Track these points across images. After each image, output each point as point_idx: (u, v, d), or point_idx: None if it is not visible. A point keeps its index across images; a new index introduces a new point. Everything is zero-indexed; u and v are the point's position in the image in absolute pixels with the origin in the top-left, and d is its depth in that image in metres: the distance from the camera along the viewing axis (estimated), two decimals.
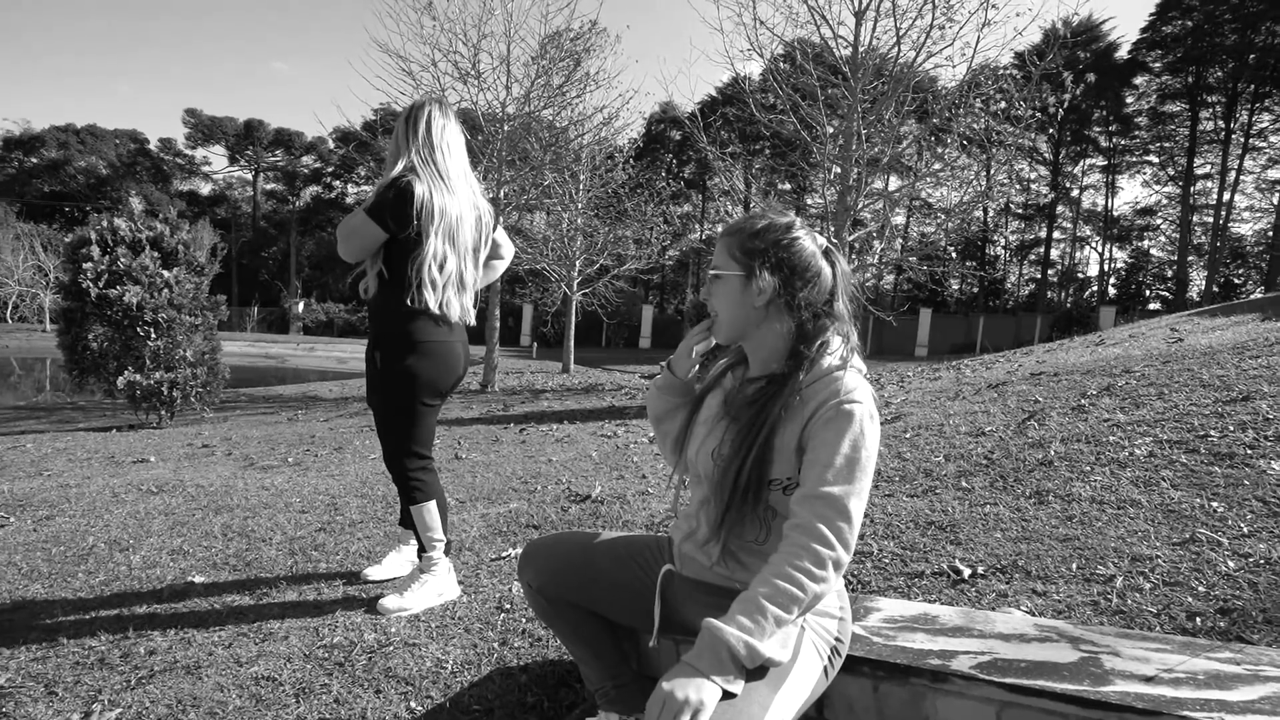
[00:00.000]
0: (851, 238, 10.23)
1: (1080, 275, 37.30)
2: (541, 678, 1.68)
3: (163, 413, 6.70)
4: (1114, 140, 33.38)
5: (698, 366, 1.36)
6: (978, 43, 8.78)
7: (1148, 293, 35.09)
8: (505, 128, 10.19)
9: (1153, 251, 35.34)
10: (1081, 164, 34.69)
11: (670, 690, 0.92)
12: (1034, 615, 1.65)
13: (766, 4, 25.74)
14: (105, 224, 6.37)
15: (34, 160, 44.53)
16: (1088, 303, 32.39)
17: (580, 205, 12.61)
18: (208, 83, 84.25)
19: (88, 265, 6.11)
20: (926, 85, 10.28)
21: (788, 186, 29.49)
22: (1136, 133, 33.06)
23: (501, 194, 10.52)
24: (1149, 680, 1.09)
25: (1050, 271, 36.41)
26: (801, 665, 1.06)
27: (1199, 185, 31.91)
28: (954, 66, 9.35)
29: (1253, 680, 1.08)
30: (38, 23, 79.26)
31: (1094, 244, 36.32)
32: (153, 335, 6.34)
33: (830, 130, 9.56)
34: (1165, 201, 33.64)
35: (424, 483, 2.08)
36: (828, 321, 1.15)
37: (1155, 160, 33.22)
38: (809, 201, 28.04)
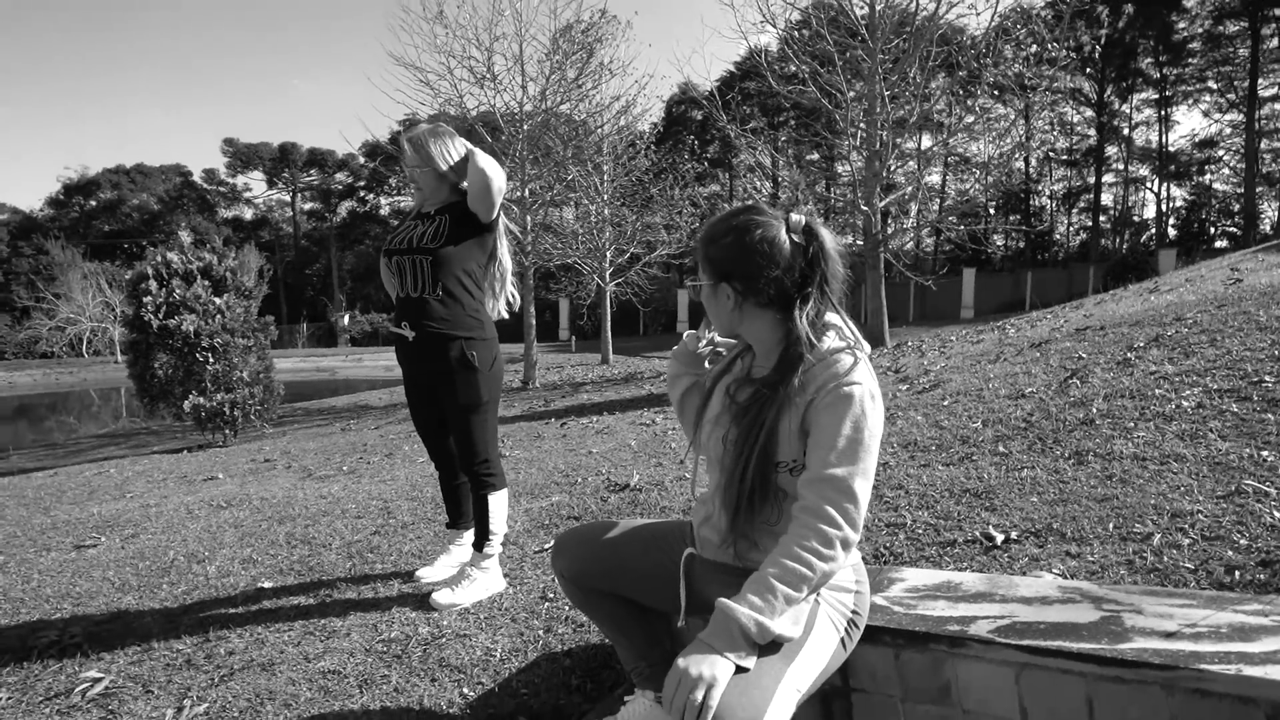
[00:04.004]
0: (883, 203, 9.99)
1: (1136, 219, 35.31)
2: (584, 661, 1.77)
3: (227, 432, 7.11)
4: (1165, 70, 31.31)
5: (709, 347, 1.42)
6: None
7: (1213, 230, 32.99)
8: (525, 126, 10.29)
9: (1216, 186, 33.14)
10: (1131, 100, 32.71)
11: (685, 667, 0.98)
12: (1066, 578, 1.64)
13: None
14: (160, 258, 6.76)
15: (92, 202, 47.22)
16: (1145, 247, 30.63)
17: (605, 196, 12.65)
18: (237, 107, 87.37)
19: (147, 299, 6.50)
20: (951, 37, 9.89)
21: (815, 156, 28.81)
22: (1190, 60, 30.92)
23: (527, 192, 10.66)
24: (1169, 636, 1.09)
25: (1102, 218, 34.60)
26: (816, 638, 1.10)
27: (1266, 109, 29.65)
28: (978, 14, 9.00)
29: (1278, 631, 1.07)
30: (78, 65, 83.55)
31: (1150, 184, 34.29)
32: (211, 359, 6.72)
33: (852, 95, 9.31)
34: (1229, 130, 31.43)
35: (500, 472, 2.26)
36: (813, 306, 1.16)
37: (1214, 87, 31.03)
38: (839, 169, 27.35)
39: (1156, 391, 2.88)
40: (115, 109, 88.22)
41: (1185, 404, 2.65)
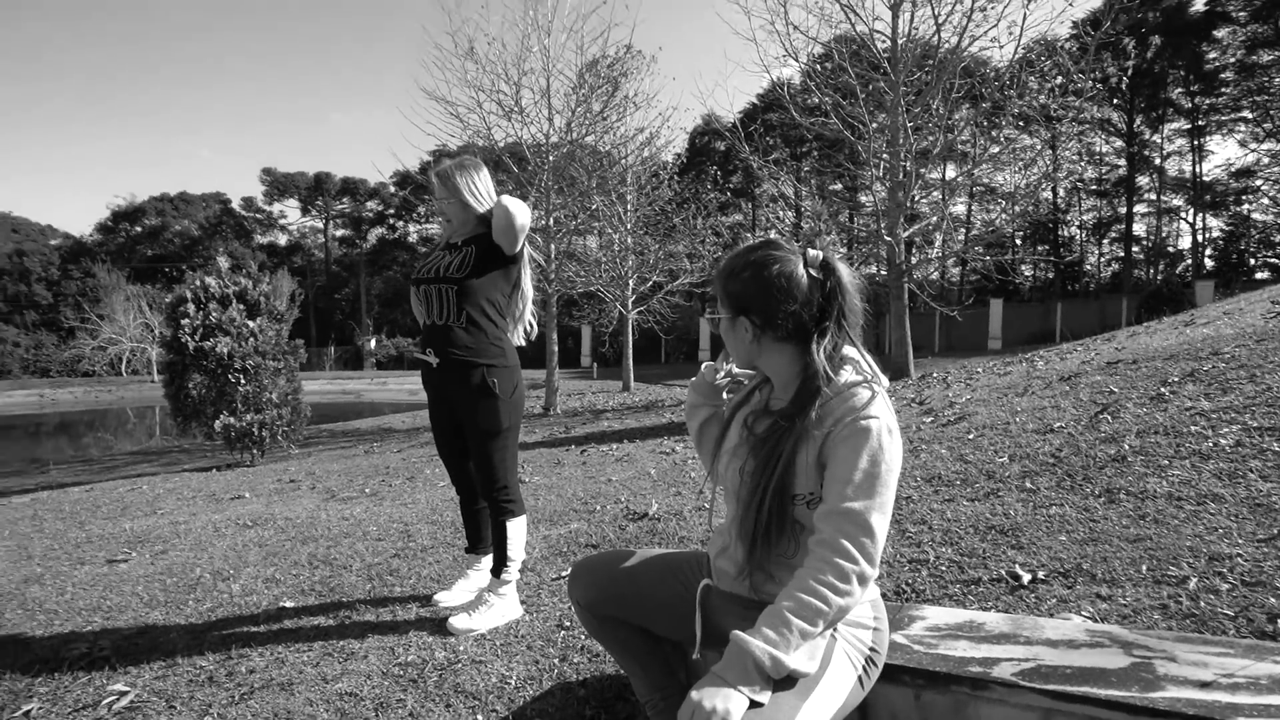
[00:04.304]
0: (907, 234, 9.96)
1: (1171, 249, 34.54)
2: (599, 691, 1.75)
3: (254, 451, 7.26)
4: (1197, 100, 30.93)
5: (727, 379, 1.43)
6: (1024, 20, 8.45)
7: (1252, 262, 32.10)
8: (550, 157, 10.53)
9: (1255, 216, 32.32)
10: (1162, 130, 32.31)
11: (699, 700, 0.97)
12: (1096, 621, 1.59)
13: (798, 8, 25.37)
14: (198, 283, 7.01)
15: (138, 228, 49.29)
16: (1180, 278, 29.90)
17: (629, 225, 12.81)
18: (275, 138, 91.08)
19: (185, 321, 6.73)
20: (975, 69, 9.94)
21: (838, 187, 28.91)
22: (1223, 90, 30.51)
23: (551, 221, 10.86)
24: (1204, 686, 1.06)
25: (1135, 249, 33.91)
26: (833, 675, 1.08)
27: None
28: (1001, 47, 9.04)
29: None
30: (133, 100, 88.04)
31: (1184, 214, 33.62)
32: (242, 381, 6.89)
33: (875, 126, 9.38)
34: (1266, 160, 30.75)
35: (519, 499, 2.28)
36: (830, 340, 1.17)
37: (1250, 116, 30.52)
38: (863, 199, 27.38)
39: (1192, 428, 2.80)
40: (163, 141, 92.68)
41: (1223, 442, 2.57)
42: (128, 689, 1.87)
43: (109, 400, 25.21)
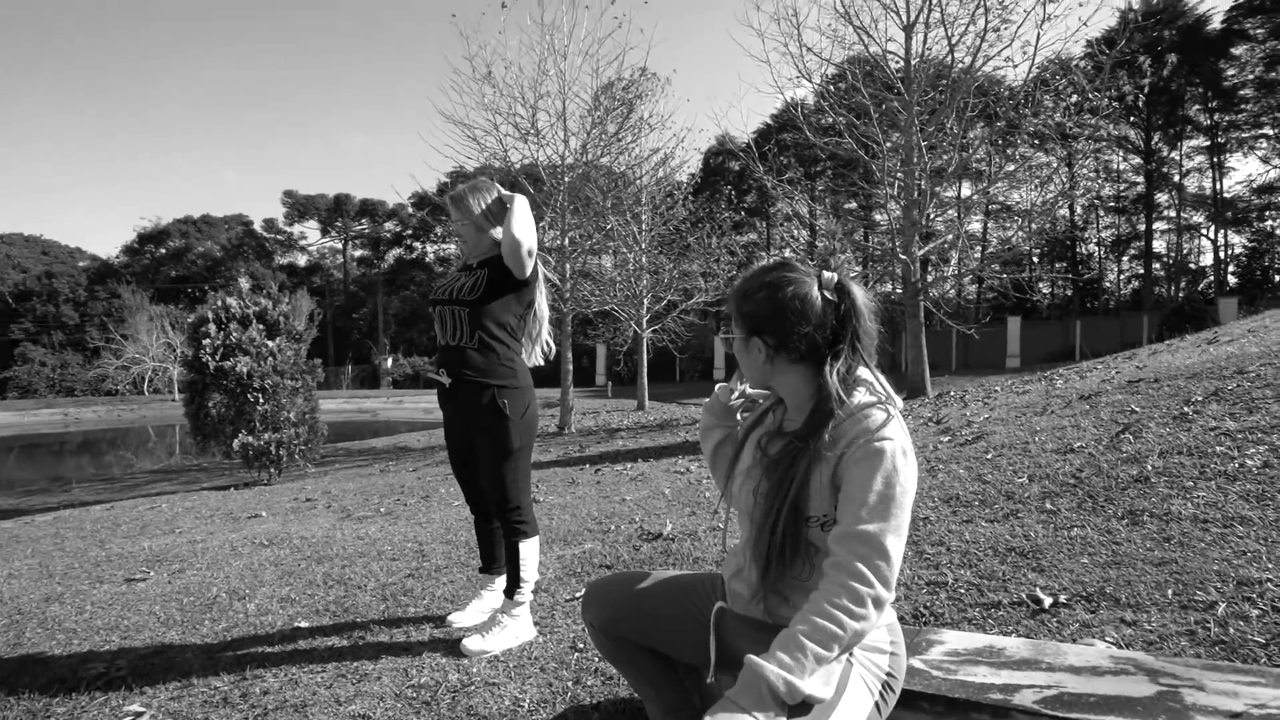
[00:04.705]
0: (922, 252, 9.93)
1: (1192, 266, 34.03)
2: (612, 715, 1.73)
3: (271, 470, 7.33)
4: (1216, 117, 30.70)
5: (741, 400, 1.43)
6: (1038, 40, 8.47)
7: (1277, 278, 31.51)
8: (566, 178, 10.67)
9: (1279, 232, 31.81)
10: (1180, 147, 32.06)
11: None
12: (1120, 647, 1.55)
13: (811, 30, 25.65)
14: (220, 303, 7.15)
15: (162, 250, 50.54)
16: (1203, 295, 29.40)
17: (644, 244, 12.90)
18: (297, 161, 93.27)
19: (206, 341, 6.86)
20: (989, 88, 9.97)
21: (853, 205, 28.94)
22: (1242, 106, 30.27)
23: (566, 240, 10.97)
24: (1235, 717, 1.02)
25: (1156, 265, 33.45)
26: (849, 701, 1.07)
27: None
28: (1015, 66, 9.06)
29: None
30: (155, 122, 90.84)
31: (1205, 231, 33.17)
32: (261, 400, 6.99)
33: (889, 145, 9.41)
34: None
35: (532, 520, 2.27)
36: (844, 362, 1.17)
37: (1271, 133, 30.20)
38: (878, 218, 27.38)
39: (1218, 449, 2.74)
40: (188, 164, 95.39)
41: (1250, 463, 2.51)
42: (143, 710, 1.88)
43: (131, 419, 25.62)
